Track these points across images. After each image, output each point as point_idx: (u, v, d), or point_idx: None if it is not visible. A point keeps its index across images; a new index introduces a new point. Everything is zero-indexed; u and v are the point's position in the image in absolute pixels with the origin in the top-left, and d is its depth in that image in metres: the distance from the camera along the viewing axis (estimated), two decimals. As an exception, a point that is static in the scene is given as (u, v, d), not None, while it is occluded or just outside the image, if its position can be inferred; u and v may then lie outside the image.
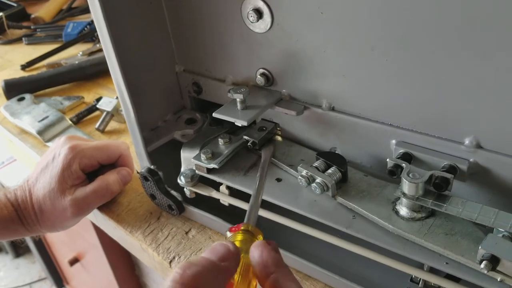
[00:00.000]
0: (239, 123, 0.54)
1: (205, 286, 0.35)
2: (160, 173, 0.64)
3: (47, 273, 1.99)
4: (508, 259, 0.39)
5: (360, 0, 0.45)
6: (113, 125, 0.90)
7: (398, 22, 0.44)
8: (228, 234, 0.44)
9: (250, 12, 0.54)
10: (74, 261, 1.56)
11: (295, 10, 0.51)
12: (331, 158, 0.53)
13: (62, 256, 1.72)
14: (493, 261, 0.40)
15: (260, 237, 0.43)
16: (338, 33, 0.49)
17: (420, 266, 0.48)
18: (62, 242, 1.63)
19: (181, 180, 0.61)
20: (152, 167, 0.64)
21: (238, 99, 0.55)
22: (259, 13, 0.53)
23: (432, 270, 0.47)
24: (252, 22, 0.55)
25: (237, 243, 0.41)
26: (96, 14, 0.53)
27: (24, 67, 1.16)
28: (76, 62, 1.11)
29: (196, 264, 0.36)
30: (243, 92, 0.55)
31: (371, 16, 0.46)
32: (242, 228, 0.43)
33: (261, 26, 0.54)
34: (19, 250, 2.37)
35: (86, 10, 1.42)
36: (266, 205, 0.55)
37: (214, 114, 0.56)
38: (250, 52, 0.58)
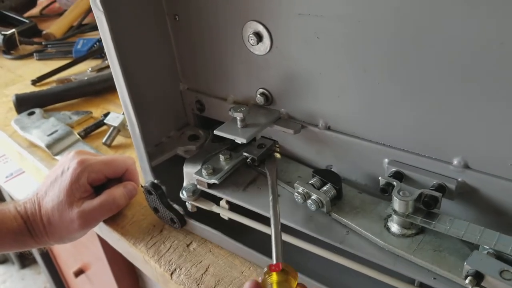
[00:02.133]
0: (239, 140, 0.57)
1: None
2: (163, 188, 0.66)
3: (52, 284, 2.01)
4: (491, 275, 0.41)
5: (353, 27, 0.48)
6: (119, 139, 0.93)
7: (388, 48, 0.47)
8: (265, 269, 0.45)
9: (251, 35, 0.56)
10: (79, 273, 1.58)
11: (293, 34, 0.53)
12: (326, 175, 0.55)
13: (68, 267, 1.74)
14: (478, 277, 0.41)
15: (296, 278, 0.45)
16: (333, 56, 0.51)
17: (410, 281, 0.49)
18: (68, 253, 1.65)
19: (183, 195, 0.64)
20: (155, 181, 0.66)
21: (238, 118, 0.58)
22: (259, 37, 0.56)
23: (422, 286, 0.49)
24: (252, 45, 0.57)
25: (275, 286, 0.43)
26: (105, 35, 0.56)
27: (34, 82, 1.19)
28: (85, 78, 1.14)
29: None
30: (243, 111, 0.57)
31: (363, 41, 0.48)
32: (282, 268, 0.45)
33: (261, 48, 0.57)
34: (25, 261, 2.39)
35: (95, 27, 1.44)
36: (264, 220, 0.57)
37: (215, 132, 0.59)
38: (250, 73, 0.61)
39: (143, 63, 0.65)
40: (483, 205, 0.48)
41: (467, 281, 0.42)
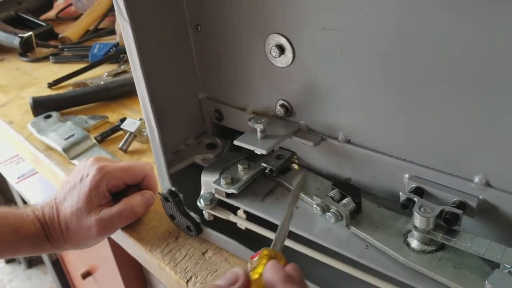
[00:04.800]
0: (259, 151, 0.57)
1: None
2: (181, 195, 0.67)
3: (59, 285, 2.02)
4: (513, 295, 0.41)
5: (376, 44, 0.48)
6: (135, 145, 0.93)
7: (412, 64, 0.47)
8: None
9: (273, 47, 0.57)
10: (86, 275, 1.58)
11: (316, 48, 0.54)
12: (346, 189, 0.56)
13: (75, 269, 1.75)
14: (499, 297, 0.41)
15: (282, 261, 0.46)
16: (355, 71, 0.52)
17: (429, 297, 0.49)
18: (76, 254, 1.65)
19: (201, 203, 0.64)
20: (173, 188, 0.67)
21: (258, 129, 0.58)
22: (281, 49, 0.56)
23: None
24: (274, 57, 0.58)
25: (260, 268, 0.43)
26: (129, 44, 0.57)
27: (51, 85, 1.20)
28: (102, 82, 1.15)
29: None
30: (263, 123, 0.58)
31: (386, 57, 0.48)
32: (263, 252, 0.46)
33: (283, 61, 0.58)
34: (32, 261, 2.40)
35: (112, 31, 1.47)
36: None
37: (235, 142, 0.59)
38: (271, 84, 0.61)
39: (165, 71, 0.66)
40: (504, 223, 0.48)
41: (488, 300, 0.42)
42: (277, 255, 0.47)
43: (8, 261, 2.47)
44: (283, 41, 0.56)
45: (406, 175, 0.53)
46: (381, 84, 0.50)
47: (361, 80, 0.52)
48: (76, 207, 0.64)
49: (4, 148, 1.59)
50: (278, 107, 0.62)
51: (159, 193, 0.69)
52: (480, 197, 0.48)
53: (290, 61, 0.57)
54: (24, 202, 1.69)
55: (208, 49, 0.66)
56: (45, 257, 1.94)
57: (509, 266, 0.44)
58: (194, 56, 0.68)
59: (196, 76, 0.70)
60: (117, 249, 1.22)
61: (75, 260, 1.69)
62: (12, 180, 1.55)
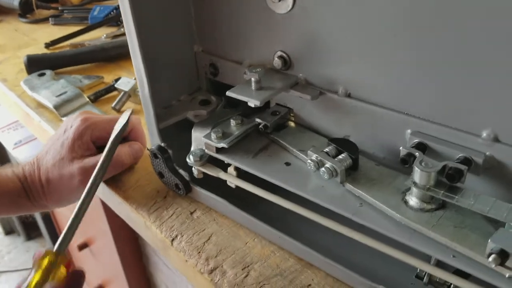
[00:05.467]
0: (252, 102, 0.53)
1: None
2: (170, 152, 0.63)
3: (56, 257, 2.00)
4: (518, 254, 0.37)
5: (384, -20, 0.44)
6: (129, 105, 0.90)
7: (422, 10, 0.43)
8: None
9: (272, -10, 0.53)
10: (83, 246, 1.57)
11: (318, -11, 0.50)
12: (343, 144, 0.52)
13: (72, 240, 1.73)
14: (502, 256, 0.38)
15: (62, 270, 0.45)
16: (361, 17, 0.48)
17: (426, 259, 0.46)
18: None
19: (190, 159, 0.61)
20: (162, 144, 0.63)
21: (253, 79, 0.54)
22: (281, -8, 0.53)
23: (439, 264, 0.46)
24: (273, 2, 0.54)
25: (37, 276, 0.43)
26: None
27: (48, 46, 1.17)
28: (99, 43, 1.11)
29: None
30: (258, 72, 0.54)
31: (393, 3, 0.44)
32: (42, 260, 0.45)
33: (283, 6, 0.54)
34: (31, 233, 2.39)
35: (113, -6, 1.43)
36: (272, 188, 0.54)
37: (228, 93, 0.55)
38: (269, 34, 0.57)
39: (158, 21, 0.62)
40: (511, 182, 0.44)
41: (490, 259, 0.38)
42: (59, 258, 0.44)
43: (7, 233, 2.47)
44: (282, -17, 0.52)
45: (409, 131, 0.49)
46: (389, 32, 0.46)
47: (366, 27, 0.48)
48: (58, 157, 0.61)
49: (1, 114, 1.57)
50: (276, 58, 0.58)
51: (147, 149, 0.65)
52: (487, 153, 0.44)
53: (290, 6, 0.53)
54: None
55: (204, -4, 0.62)
56: (43, 230, 1.92)
57: (515, 226, 0.40)
58: (191, 4, 0.64)
59: (192, 27, 0.66)
60: (113, 221, 1.20)
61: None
62: (9, 147, 1.53)
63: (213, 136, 0.58)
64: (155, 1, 0.60)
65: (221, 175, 0.60)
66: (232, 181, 0.59)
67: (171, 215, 0.64)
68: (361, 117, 0.53)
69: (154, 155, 0.64)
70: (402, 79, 0.48)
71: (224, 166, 0.60)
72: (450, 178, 0.44)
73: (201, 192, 0.63)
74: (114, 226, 1.21)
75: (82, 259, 1.77)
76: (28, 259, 2.31)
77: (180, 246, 0.59)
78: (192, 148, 0.63)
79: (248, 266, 0.55)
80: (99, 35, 1.20)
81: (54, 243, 0.47)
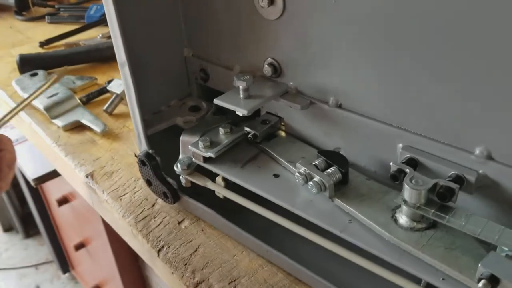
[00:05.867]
0: (240, 112, 0.52)
1: None
2: (158, 159, 0.62)
3: (54, 257, 2.00)
4: (509, 280, 0.36)
5: (375, -10, 0.42)
6: (121, 108, 0.88)
7: (414, 22, 0.41)
8: None
9: (262, -4, 0.51)
10: (79, 246, 1.56)
11: (308, -3, 0.48)
12: (332, 157, 0.50)
13: (69, 240, 1.73)
14: (493, 281, 0.36)
15: None
16: (351, 24, 0.46)
17: (416, 280, 0.44)
18: (71, 226, 1.63)
19: (178, 167, 0.59)
20: (150, 151, 0.62)
21: (241, 87, 0.53)
22: (270, -2, 0.51)
23: (429, 286, 0.44)
24: (263, 7, 0.52)
25: None
26: (103, -13, 0.52)
27: (42, 44, 1.15)
28: (94, 43, 1.10)
29: None
30: (246, 80, 0.52)
31: (386, 13, 0.43)
32: None
33: (273, 12, 0.52)
34: (29, 231, 2.39)
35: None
36: (261, 199, 0.53)
37: (215, 101, 0.54)
38: (259, 40, 0.56)
39: (146, 22, 0.60)
40: (505, 202, 0.42)
41: (480, 284, 0.37)
42: None
43: (6, 230, 2.47)
44: (272, -11, 0.50)
45: (400, 145, 0.48)
46: (380, 43, 0.45)
47: (357, 36, 0.46)
48: None
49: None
50: (266, 65, 0.56)
51: (136, 156, 0.64)
52: (480, 171, 0.42)
53: (280, 12, 0.51)
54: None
55: (194, 0, 0.60)
56: (41, 228, 1.92)
57: (507, 249, 0.38)
58: (180, 7, 0.62)
59: (181, 31, 0.65)
60: (108, 223, 1.19)
61: (70, 231, 1.67)
62: None
63: (200, 145, 0.56)
64: (141, 3, 0.59)
65: (209, 185, 0.58)
66: (220, 191, 0.57)
67: (159, 224, 0.62)
68: (352, 129, 0.51)
69: (141, 162, 0.63)
70: (394, 92, 0.46)
71: (213, 175, 0.59)
72: (441, 197, 0.42)
73: (189, 202, 0.62)
74: (109, 227, 1.20)
75: (79, 260, 1.77)
76: (26, 257, 2.31)
77: (166, 257, 0.57)
78: (180, 156, 0.61)
79: (235, 280, 0.54)
80: (95, 35, 1.18)
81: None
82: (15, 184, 2.17)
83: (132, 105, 0.60)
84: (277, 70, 0.56)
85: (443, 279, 0.40)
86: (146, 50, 0.61)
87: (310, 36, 0.50)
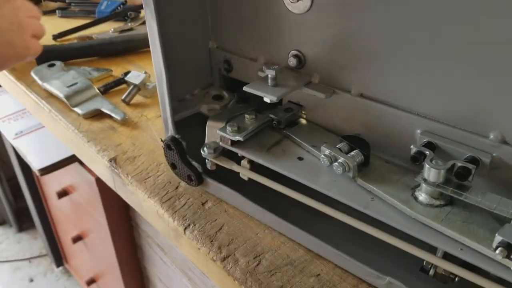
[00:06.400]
0: (269, 98, 0.56)
1: None
2: (184, 143, 0.65)
3: (48, 250, 2.01)
4: (523, 247, 0.40)
5: (403, -14, 0.47)
6: (138, 98, 0.92)
7: (435, 14, 0.45)
8: None
9: (292, -9, 0.55)
10: (77, 239, 1.58)
11: (337, -8, 0.52)
12: (355, 141, 0.54)
13: (66, 233, 1.74)
14: (509, 249, 0.40)
15: None
16: (376, 19, 0.50)
17: (433, 251, 0.48)
18: (68, 218, 1.64)
19: (204, 151, 0.63)
20: (176, 136, 0.65)
21: (270, 75, 0.56)
22: (300, -6, 0.55)
23: (446, 257, 0.48)
24: (291, 2, 0.56)
25: None
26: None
27: (55, 37, 1.18)
28: (107, 37, 1.13)
29: None
30: (275, 69, 0.56)
31: (409, 5, 0.47)
32: None
33: (300, 6, 0.56)
34: (22, 224, 2.39)
35: (121, -11, 1.44)
36: (284, 181, 0.57)
37: (245, 88, 0.57)
38: (285, 33, 0.60)
39: (177, 17, 0.64)
40: (517, 182, 0.47)
41: (497, 251, 0.41)
42: None
43: (-1, 224, 2.47)
44: (302, -15, 0.54)
45: (418, 131, 0.52)
46: (404, 34, 0.49)
47: (382, 29, 0.50)
48: None
49: (3, 105, 1.57)
50: (291, 57, 0.60)
51: (162, 140, 0.67)
52: (494, 154, 0.47)
53: (308, 7, 0.55)
54: (20, 160, 1.68)
55: (222, -5, 0.64)
56: (36, 221, 1.93)
57: (519, 222, 0.43)
58: (208, 5, 0.66)
59: (207, 23, 0.68)
60: (111, 214, 1.21)
61: (67, 224, 1.69)
62: (9, 137, 1.53)
63: (228, 129, 0.60)
64: (178, 5, 0.62)
65: (235, 167, 0.62)
66: (246, 173, 0.61)
67: (183, 205, 0.66)
68: (372, 117, 0.56)
69: (168, 146, 0.66)
70: (415, 80, 0.50)
71: (235, 160, 0.62)
72: (459, 176, 0.46)
73: (213, 184, 0.65)
74: (111, 218, 1.22)
75: (75, 253, 1.78)
76: (19, 250, 2.32)
77: (193, 234, 0.61)
78: (206, 141, 0.65)
79: (260, 255, 0.58)
80: (107, 29, 1.21)
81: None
82: (9, 177, 2.19)
83: (162, 93, 0.63)
84: (301, 61, 0.60)
85: (461, 249, 0.45)
86: (177, 42, 0.65)
87: (336, 30, 0.54)
